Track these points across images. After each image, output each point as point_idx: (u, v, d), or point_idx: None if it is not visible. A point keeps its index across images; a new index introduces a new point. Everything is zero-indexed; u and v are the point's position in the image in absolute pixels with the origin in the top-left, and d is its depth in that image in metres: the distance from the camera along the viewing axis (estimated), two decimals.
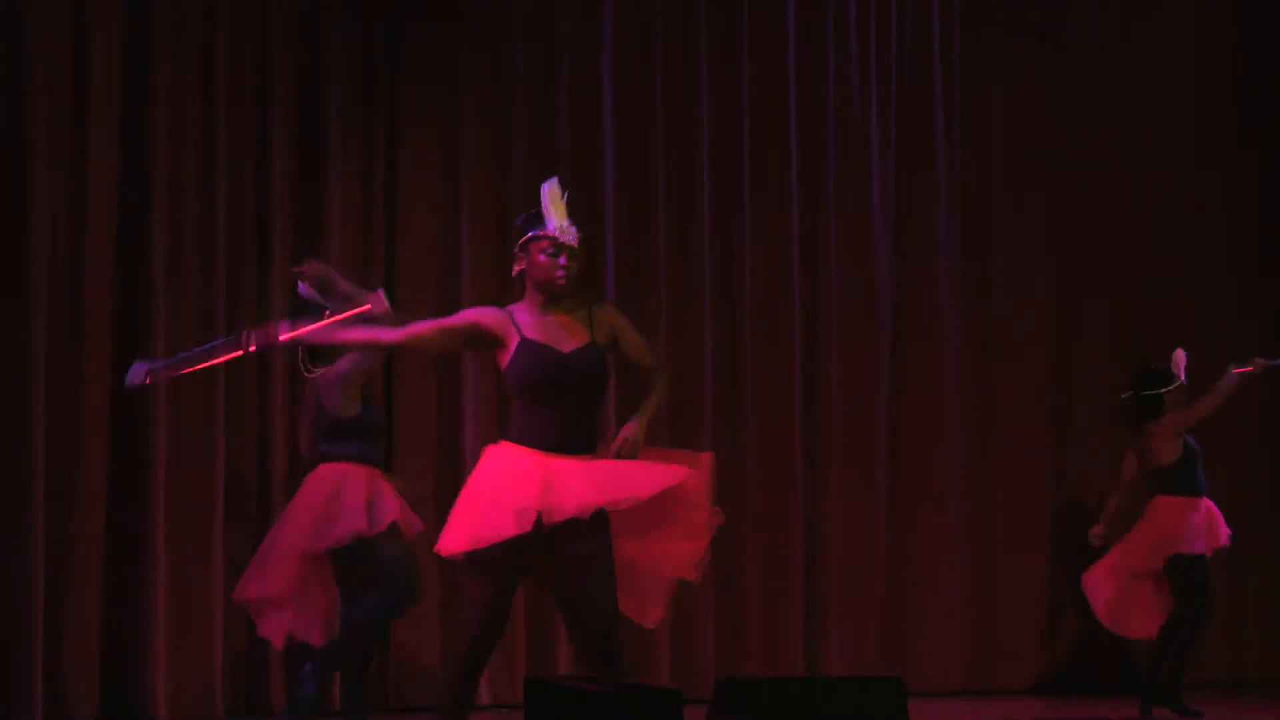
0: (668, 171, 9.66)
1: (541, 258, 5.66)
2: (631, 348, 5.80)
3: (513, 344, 5.64)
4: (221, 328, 8.58)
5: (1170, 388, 8.92)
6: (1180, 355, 9.01)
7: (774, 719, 6.61)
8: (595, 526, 5.58)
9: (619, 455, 5.58)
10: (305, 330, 5.72)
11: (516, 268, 5.75)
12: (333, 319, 5.94)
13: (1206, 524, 8.83)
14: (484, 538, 5.52)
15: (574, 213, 5.72)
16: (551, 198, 5.70)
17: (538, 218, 5.70)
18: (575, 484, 5.53)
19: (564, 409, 5.62)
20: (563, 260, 5.66)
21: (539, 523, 5.50)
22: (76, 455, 8.34)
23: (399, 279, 8.99)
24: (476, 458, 5.85)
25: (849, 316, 10.00)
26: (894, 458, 10.07)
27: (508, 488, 5.54)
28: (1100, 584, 8.97)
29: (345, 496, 7.13)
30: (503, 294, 9.11)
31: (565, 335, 5.67)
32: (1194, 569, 8.75)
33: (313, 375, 7.28)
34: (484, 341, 5.72)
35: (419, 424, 8.98)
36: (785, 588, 9.70)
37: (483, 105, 9.31)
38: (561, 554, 5.59)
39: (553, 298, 5.70)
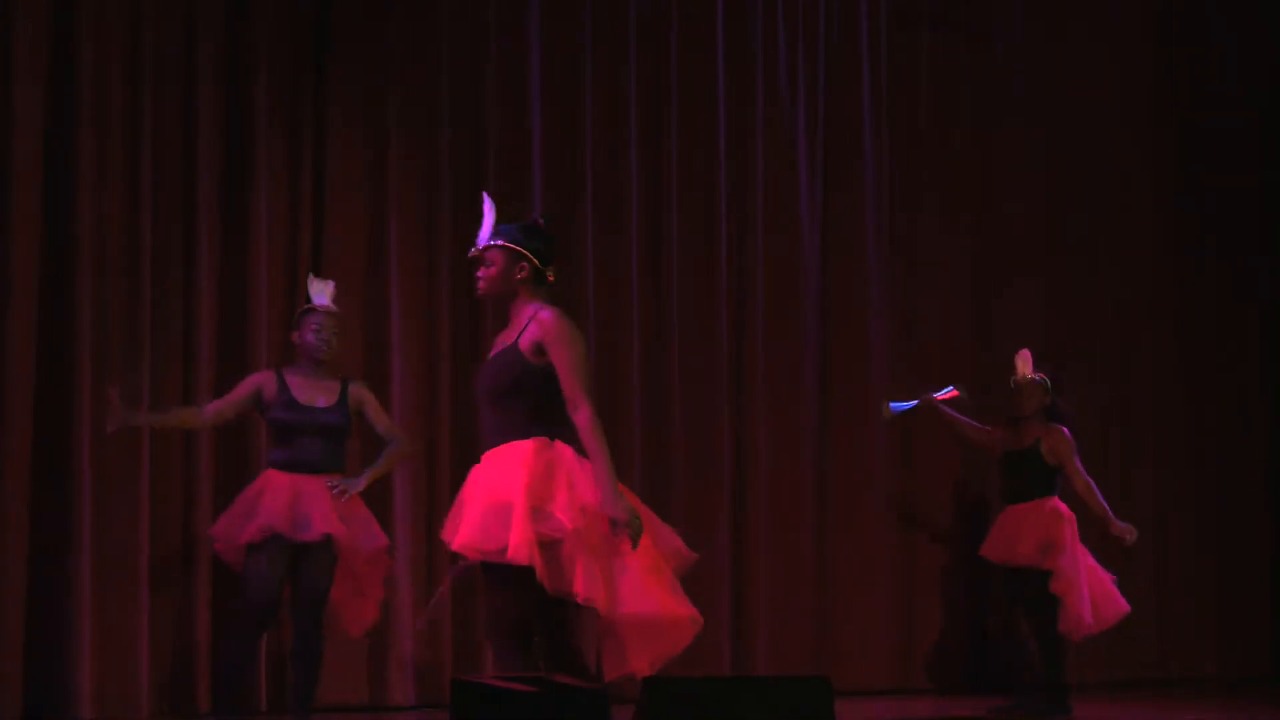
0: (595, 171, 9.65)
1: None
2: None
3: None
4: (147, 327, 8.53)
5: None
6: (1022, 355, 9.10)
7: (701, 719, 6.62)
8: None
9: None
10: None
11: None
12: None
13: (1001, 533, 8.98)
14: None
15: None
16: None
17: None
18: None
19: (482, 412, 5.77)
20: (479, 272, 5.81)
21: None
22: None
23: (326, 275, 8.97)
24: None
25: (777, 318, 10.03)
26: (821, 460, 10.10)
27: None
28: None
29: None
30: (429, 289, 9.14)
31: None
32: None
33: None
34: None
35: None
36: (713, 589, 9.70)
37: (410, 107, 9.29)
38: None
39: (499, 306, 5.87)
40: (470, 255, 5.81)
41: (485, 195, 5.91)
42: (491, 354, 5.73)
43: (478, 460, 5.64)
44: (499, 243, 5.77)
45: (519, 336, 5.65)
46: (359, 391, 7.53)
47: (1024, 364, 9.04)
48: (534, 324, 5.64)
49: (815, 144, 10.21)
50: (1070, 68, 10.90)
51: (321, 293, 7.56)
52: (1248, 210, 11.26)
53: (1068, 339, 10.68)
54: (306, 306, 7.54)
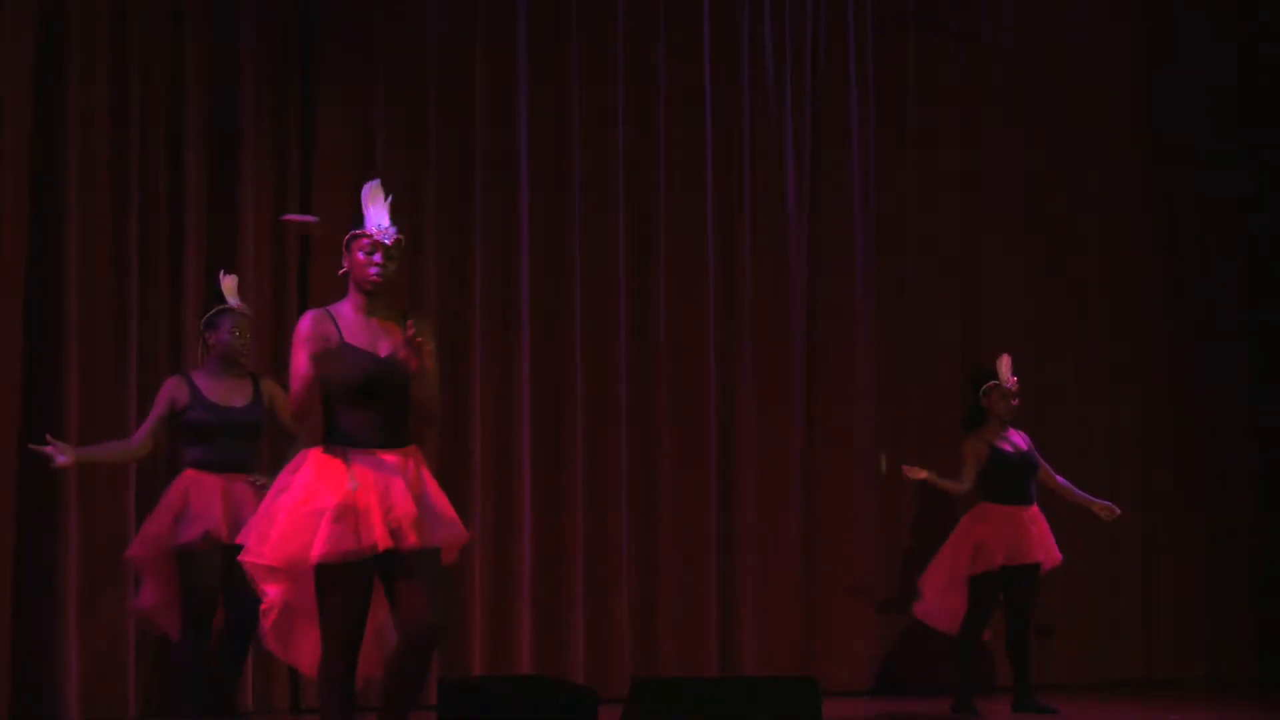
0: (584, 171, 9.64)
1: (360, 256, 5.75)
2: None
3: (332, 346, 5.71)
4: (135, 326, 8.52)
5: (983, 389, 9.04)
6: (1005, 359, 9.10)
7: (689, 718, 6.61)
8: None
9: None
10: None
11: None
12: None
13: (1004, 535, 8.92)
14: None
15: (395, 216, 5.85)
16: (371, 197, 5.76)
17: (357, 217, 5.78)
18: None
19: (381, 409, 5.67)
20: (378, 258, 5.73)
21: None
22: None
23: (313, 280, 8.97)
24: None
25: (763, 317, 10.01)
26: (807, 460, 10.08)
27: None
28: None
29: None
30: (416, 288, 9.12)
31: (382, 337, 5.74)
32: (980, 581, 8.91)
33: None
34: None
35: None
36: (700, 588, 9.70)
37: (396, 103, 9.28)
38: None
39: (371, 297, 5.77)
40: (390, 241, 5.77)
41: (377, 182, 5.87)
42: (360, 347, 5.69)
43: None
44: (401, 240, 5.85)
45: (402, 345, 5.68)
46: (270, 387, 7.52)
47: (1008, 369, 9.07)
48: (425, 340, 5.66)
49: (803, 149, 10.19)
50: (1056, 64, 10.89)
51: (232, 292, 7.55)
52: (1239, 212, 11.26)
53: (1057, 339, 10.68)
54: (222, 307, 7.51)
